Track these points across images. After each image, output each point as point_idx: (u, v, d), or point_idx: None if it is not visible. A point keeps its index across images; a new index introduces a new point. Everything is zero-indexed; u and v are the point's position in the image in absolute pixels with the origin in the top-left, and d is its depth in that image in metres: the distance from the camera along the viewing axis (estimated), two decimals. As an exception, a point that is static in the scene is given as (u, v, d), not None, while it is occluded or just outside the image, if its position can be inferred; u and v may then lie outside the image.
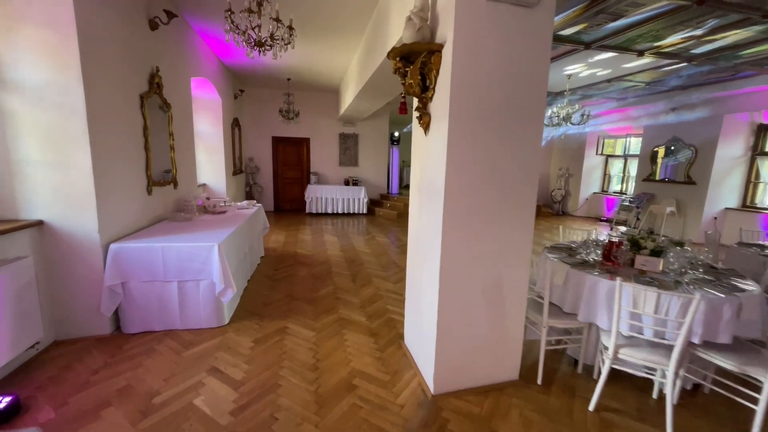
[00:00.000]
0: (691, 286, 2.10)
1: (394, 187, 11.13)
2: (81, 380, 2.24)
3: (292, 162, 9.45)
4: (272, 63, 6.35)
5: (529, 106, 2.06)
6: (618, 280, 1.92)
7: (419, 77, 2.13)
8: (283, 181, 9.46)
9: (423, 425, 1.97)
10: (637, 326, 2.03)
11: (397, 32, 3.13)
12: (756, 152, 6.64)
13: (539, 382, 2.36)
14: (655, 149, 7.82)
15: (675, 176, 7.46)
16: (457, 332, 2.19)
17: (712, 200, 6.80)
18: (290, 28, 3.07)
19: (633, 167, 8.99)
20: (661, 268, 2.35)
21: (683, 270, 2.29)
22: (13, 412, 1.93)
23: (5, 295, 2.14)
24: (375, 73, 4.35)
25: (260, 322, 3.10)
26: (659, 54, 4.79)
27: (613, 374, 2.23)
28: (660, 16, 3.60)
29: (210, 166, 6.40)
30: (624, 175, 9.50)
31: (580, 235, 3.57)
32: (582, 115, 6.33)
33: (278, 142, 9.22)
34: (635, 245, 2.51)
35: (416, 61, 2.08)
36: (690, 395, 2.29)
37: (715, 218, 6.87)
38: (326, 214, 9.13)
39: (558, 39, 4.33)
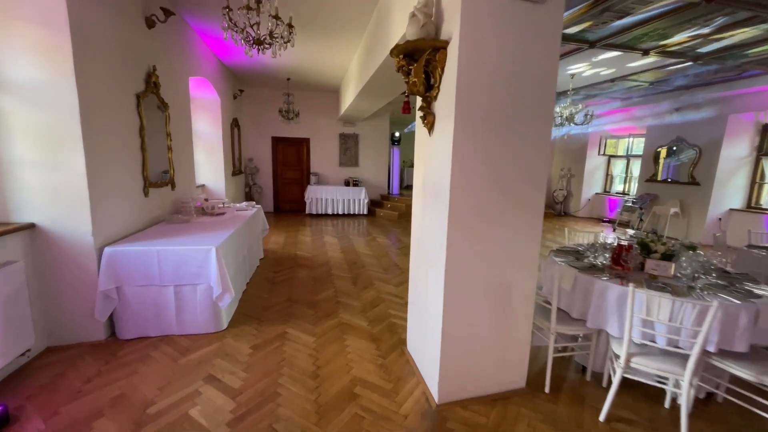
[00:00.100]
0: (705, 292, 2.02)
1: (395, 188, 11.04)
2: (73, 389, 2.17)
3: (291, 162, 9.38)
4: (272, 62, 6.28)
5: (537, 105, 1.99)
6: (631, 286, 1.85)
7: (423, 75, 2.05)
8: (282, 181, 9.39)
9: (428, 437, 1.90)
10: (649, 334, 1.96)
11: (399, 30, 3.06)
12: (761, 152, 6.56)
13: (547, 390, 2.28)
14: (658, 149, 7.75)
15: (678, 177, 7.38)
16: (462, 339, 2.12)
17: (716, 201, 6.72)
18: (290, 26, 3.00)
19: (635, 168, 8.92)
20: (672, 273, 2.28)
21: (696, 275, 2.21)
22: (1, 423, 1.85)
23: (-6, 301, 2.06)
24: (376, 72, 4.27)
25: (259, 327, 3.03)
26: (664, 53, 4.72)
27: (624, 383, 2.15)
28: (667, 13, 3.52)
29: (209, 166, 6.33)
30: (627, 176, 9.43)
31: (585, 237, 3.50)
32: (585, 115, 6.25)
33: (278, 143, 9.15)
34: (645, 249, 2.44)
35: (420, 59, 2.01)
36: (703, 404, 2.21)
37: (720, 219, 6.79)
38: (326, 215, 9.06)
39: (562, 38, 4.25)
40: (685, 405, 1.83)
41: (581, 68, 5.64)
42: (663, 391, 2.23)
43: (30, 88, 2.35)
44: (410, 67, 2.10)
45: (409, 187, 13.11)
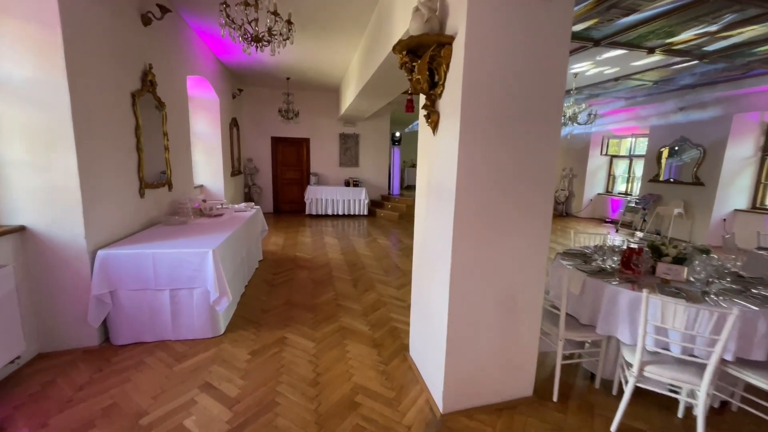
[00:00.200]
0: (720, 298, 1.94)
1: (395, 188, 10.98)
2: (64, 397, 2.09)
3: (291, 163, 9.30)
4: (271, 62, 6.20)
5: (545, 104, 1.91)
6: (644, 292, 1.77)
7: (427, 72, 1.98)
8: (282, 182, 9.31)
9: (432, 449, 1.82)
10: (662, 341, 1.88)
11: (401, 27, 2.98)
12: (767, 152, 6.48)
13: (555, 398, 2.20)
14: (661, 150, 7.66)
15: (680, 177, 7.30)
16: (468, 345, 2.04)
17: (721, 201, 6.64)
18: (289, 22, 2.92)
19: (638, 168, 8.84)
20: (685, 277, 2.20)
21: (709, 279, 2.13)
22: (-13, 435, 1.77)
23: (-19, 307, 1.99)
24: (377, 71, 4.19)
25: (257, 331, 2.95)
26: (670, 51, 4.64)
27: (635, 391, 2.07)
28: (675, 10, 3.44)
29: (207, 167, 6.25)
30: (629, 176, 9.34)
31: (590, 239, 3.42)
32: (589, 114, 6.18)
33: (277, 143, 9.07)
34: (656, 252, 2.36)
35: (424, 55, 1.93)
36: (717, 413, 2.13)
37: (725, 220, 6.71)
38: (326, 216, 8.98)
39: (567, 35, 4.18)
40: (702, 416, 1.75)
41: (585, 67, 5.57)
42: (675, 400, 2.15)
43: (19, 86, 2.27)
44: (414, 64, 2.02)
45: (410, 188, 13.04)
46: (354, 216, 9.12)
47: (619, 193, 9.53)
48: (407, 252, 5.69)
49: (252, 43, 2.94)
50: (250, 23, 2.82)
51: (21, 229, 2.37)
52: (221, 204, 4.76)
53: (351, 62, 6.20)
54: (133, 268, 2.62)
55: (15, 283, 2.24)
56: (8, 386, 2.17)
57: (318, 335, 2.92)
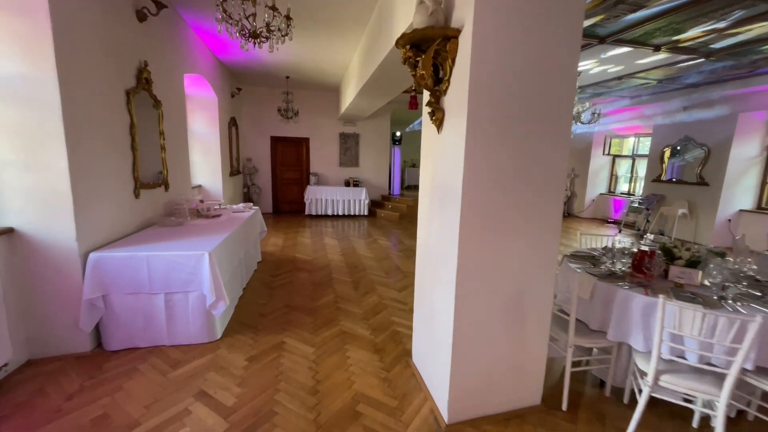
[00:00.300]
0: (738, 303, 1.86)
1: (396, 188, 10.89)
2: (52, 407, 2.00)
3: (291, 162, 9.21)
4: (270, 60, 6.11)
5: (556, 101, 1.82)
6: (661, 297, 1.68)
7: (432, 68, 1.89)
8: (281, 182, 9.22)
9: (437, 463, 1.73)
10: (678, 349, 1.79)
11: (402, 23, 2.89)
12: (772, 152, 6.40)
13: (564, 407, 2.12)
14: (664, 149, 7.58)
15: (683, 177, 7.22)
16: (474, 352, 1.95)
17: (725, 202, 6.55)
18: (287, 17, 2.83)
19: (641, 167, 8.75)
20: (699, 281, 2.12)
21: (725, 284, 2.05)
22: (-30, 449, 1.69)
23: (-35, 313, 1.90)
24: (378, 68, 4.10)
25: (255, 336, 2.86)
26: (676, 49, 4.55)
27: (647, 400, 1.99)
28: (684, 6, 3.36)
29: (206, 167, 6.16)
30: (632, 176, 9.26)
31: (595, 240, 3.33)
32: (592, 113, 6.09)
33: (277, 142, 8.98)
34: (668, 254, 2.27)
35: (429, 50, 1.84)
36: (733, 423, 2.05)
37: (729, 221, 6.63)
38: (326, 216, 8.89)
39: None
40: (721, 428, 1.66)
41: (589, 65, 5.48)
42: (689, 409, 2.06)
43: (6, 82, 2.19)
44: (417, 59, 1.93)
45: (410, 188, 12.95)
46: (354, 216, 9.03)
47: (621, 193, 9.45)
48: (408, 253, 5.61)
49: (249, 39, 2.86)
50: (247, 18, 2.73)
51: (9, 231, 2.28)
52: (219, 204, 4.67)
53: (351, 60, 6.12)
54: (126, 271, 2.53)
55: (2, 287, 2.15)
56: (-5, 395, 2.09)
57: (318, 340, 2.84)
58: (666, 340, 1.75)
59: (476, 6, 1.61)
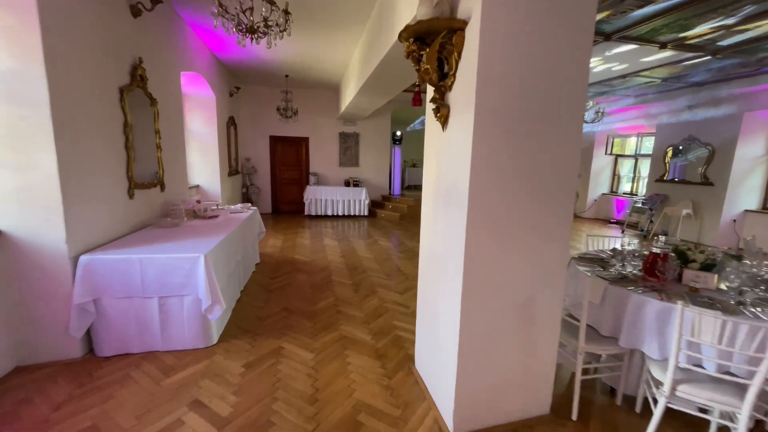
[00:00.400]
0: (759, 309, 1.77)
1: (396, 188, 10.79)
2: (39, 418, 1.91)
3: (290, 162, 9.12)
4: (269, 58, 6.02)
5: (567, 97, 1.74)
6: (679, 303, 1.59)
7: (437, 62, 1.80)
8: (281, 182, 9.13)
9: (443, 478, 1.65)
10: (695, 357, 1.71)
11: (404, 17, 2.80)
12: (778, 152, 6.31)
13: (574, 417, 2.03)
14: (667, 149, 7.49)
15: (687, 176, 7.13)
16: (481, 359, 1.86)
17: (730, 202, 6.47)
18: (286, 12, 2.74)
19: (644, 167, 8.67)
20: (715, 285, 2.03)
21: (742, 288, 1.96)
22: (-51, 464, 1.60)
23: (-53, 319, 1.81)
24: (379, 65, 4.01)
25: (253, 341, 2.77)
26: (683, 46, 4.47)
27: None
28: (693, 1, 3.27)
29: (204, 166, 6.06)
30: (635, 176, 9.17)
31: (600, 242, 3.24)
32: (596, 112, 6.00)
33: (276, 142, 8.89)
34: (681, 257, 2.19)
35: (434, 43, 1.76)
36: (751, 434, 1.96)
37: (734, 221, 6.54)
38: (326, 217, 8.80)
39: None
40: (742, 442, 1.58)
41: (593, 63, 5.39)
42: (705, 419, 1.97)
43: (-8, 78, 2.10)
44: (421, 53, 1.85)
45: (411, 188, 12.86)
46: (354, 217, 8.95)
47: (623, 193, 9.36)
48: (410, 254, 5.52)
49: (247, 34, 2.77)
50: (244, 12, 2.64)
51: (-5, 233, 2.19)
52: (216, 205, 4.58)
53: (352, 58, 6.03)
54: (119, 274, 2.44)
55: (-13, 292, 2.07)
56: (-21, 405, 2.00)
57: (317, 345, 2.75)
58: (683, 349, 1.67)
59: (484, -4, 1.52)
